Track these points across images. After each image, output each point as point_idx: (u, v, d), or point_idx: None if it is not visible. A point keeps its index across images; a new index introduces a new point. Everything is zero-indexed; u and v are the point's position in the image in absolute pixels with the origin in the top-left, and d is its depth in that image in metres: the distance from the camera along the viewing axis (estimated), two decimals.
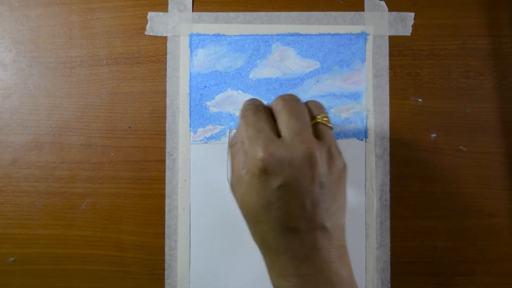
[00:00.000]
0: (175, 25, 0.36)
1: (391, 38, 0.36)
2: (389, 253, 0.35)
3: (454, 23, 0.36)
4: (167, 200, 0.35)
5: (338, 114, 0.35)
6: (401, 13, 0.36)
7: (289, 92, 0.35)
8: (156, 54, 0.36)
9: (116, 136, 0.35)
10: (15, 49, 0.36)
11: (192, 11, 0.36)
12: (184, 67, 0.36)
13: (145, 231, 0.35)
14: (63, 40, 0.36)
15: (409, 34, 0.36)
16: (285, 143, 0.24)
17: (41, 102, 0.36)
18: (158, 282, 0.35)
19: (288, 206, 0.23)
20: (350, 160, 0.35)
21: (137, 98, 0.36)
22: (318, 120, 0.26)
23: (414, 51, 0.36)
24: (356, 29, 0.36)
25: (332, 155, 0.24)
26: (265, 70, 0.36)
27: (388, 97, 0.35)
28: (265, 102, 0.27)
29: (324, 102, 0.35)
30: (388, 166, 0.35)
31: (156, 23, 0.36)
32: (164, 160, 0.35)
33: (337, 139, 0.35)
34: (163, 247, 0.35)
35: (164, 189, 0.35)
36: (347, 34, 0.36)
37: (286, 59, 0.36)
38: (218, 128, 0.35)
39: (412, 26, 0.36)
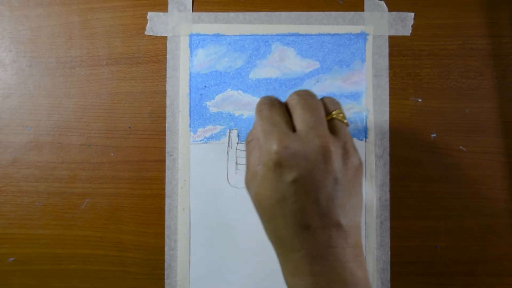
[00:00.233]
0: (175, 25, 0.36)
1: (391, 38, 0.36)
2: (389, 253, 0.35)
3: (454, 23, 0.36)
4: (167, 200, 0.35)
5: None
6: (401, 13, 0.36)
7: (289, 92, 0.35)
8: (156, 54, 0.36)
9: (116, 136, 0.36)
10: (15, 49, 0.36)
11: (192, 11, 0.36)
12: (184, 67, 0.36)
13: (145, 231, 0.35)
14: (63, 40, 0.36)
15: (409, 34, 0.36)
16: (300, 137, 0.23)
17: (41, 102, 0.36)
18: (158, 282, 0.35)
19: (303, 200, 0.23)
20: None
21: (137, 98, 0.36)
22: (334, 116, 0.25)
23: (414, 51, 0.36)
24: (356, 29, 0.36)
25: (348, 151, 0.24)
26: (265, 70, 0.36)
27: (388, 97, 0.35)
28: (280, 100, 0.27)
29: None
30: (388, 166, 0.35)
31: (156, 23, 0.36)
32: (164, 160, 0.35)
33: None
34: (163, 247, 0.35)
35: (164, 189, 0.35)
36: (347, 34, 0.36)
37: (286, 59, 0.36)
38: (218, 128, 0.35)
39: (412, 26, 0.36)
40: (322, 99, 0.27)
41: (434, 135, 0.35)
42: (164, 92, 0.36)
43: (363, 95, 0.36)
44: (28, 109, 0.36)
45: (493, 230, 0.35)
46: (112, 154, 0.35)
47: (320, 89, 0.36)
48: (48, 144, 0.35)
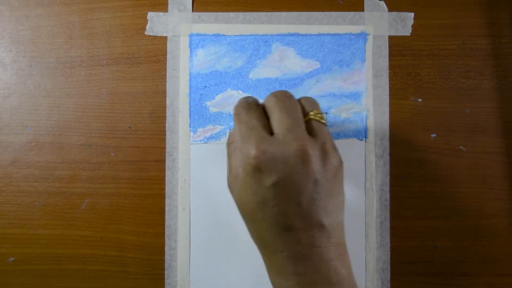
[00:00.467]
0: (175, 25, 0.36)
1: (391, 38, 0.36)
2: (389, 253, 0.35)
3: (454, 23, 0.36)
4: (167, 200, 0.35)
5: (338, 114, 0.35)
6: (401, 13, 0.36)
7: (289, 92, 0.35)
8: (156, 54, 0.36)
9: (116, 136, 0.36)
10: (15, 49, 0.36)
11: (192, 11, 0.36)
12: (184, 67, 0.36)
13: (145, 231, 0.35)
14: (63, 40, 0.36)
15: (409, 34, 0.36)
16: (278, 140, 0.23)
17: (41, 102, 0.36)
18: (158, 282, 0.35)
19: (283, 203, 0.23)
20: (350, 160, 0.35)
21: (137, 98, 0.36)
22: (311, 117, 0.25)
23: (414, 51, 0.36)
24: (356, 29, 0.36)
25: (327, 152, 0.24)
26: (265, 70, 0.36)
27: (388, 97, 0.35)
28: (260, 100, 0.27)
29: (324, 102, 0.35)
30: (388, 166, 0.35)
31: (156, 23, 0.36)
32: (164, 160, 0.35)
33: (337, 139, 0.35)
34: (163, 247, 0.35)
35: (164, 189, 0.35)
36: (347, 34, 0.36)
37: (286, 59, 0.36)
38: (218, 128, 0.35)
39: (412, 26, 0.36)
40: (300, 100, 0.27)
41: (434, 135, 0.35)
42: (164, 92, 0.36)
43: (363, 95, 0.36)
44: (28, 109, 0.36)
45: (493, 230, 0.35)
46: (112, 154, 0.35)
47: (320, 89, 0.36)
48: (48, 144, 0.35)
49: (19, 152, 0.35)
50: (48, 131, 0.35)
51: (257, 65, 0.36)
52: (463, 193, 0.35)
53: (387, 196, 0.35)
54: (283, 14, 0.36)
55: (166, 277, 0.35)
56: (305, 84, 0.36)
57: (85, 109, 0.36)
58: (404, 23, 0.36)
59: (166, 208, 0.35)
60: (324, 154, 0.24)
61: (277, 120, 0.24)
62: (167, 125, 0.35)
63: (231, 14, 0.36)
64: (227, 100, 0.36)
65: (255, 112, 0.25)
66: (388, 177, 0.35)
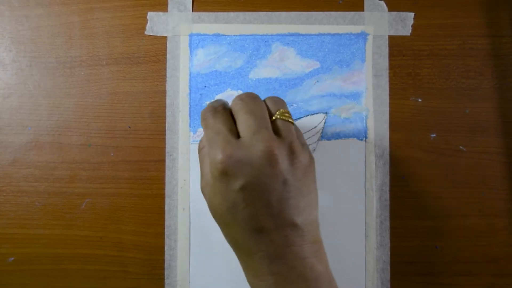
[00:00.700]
0: (175, 25, 0.36)
1: (391, 38, 0.36)
2: (389, 253, 0.35)
3: (454, 23, 0.36)
4: (167, 200, 0.35)
5: (338, 114, 0.35)
6: (401, 13, 0.36)
7: (289, 92, 0.36)
8: (156, 54, 0.36)
9: (116, 136, 0.36)
10: (15, 49, 0.36)
11: (192, 11, 0.36)
12: (184, 67, 0.36)
13: (145, 231, 0.35)
14: (63, 40, 0.36)
15: (409, 34, 0.36)
16: (244, 144, 0.23)
17: (41, 102, 0.36)
18: (158, 282, 0.35)
19: (253, 206, 0.23)
20: (350, 160, 0.35)
21: (137, 98, 0.36)
22: (278, 116, 0.25)
23: (414, 51, 0.36)
24: (356, 29, 0.36)
25: (294, 151, 0.24)
26: (265, 70, 0.36)
27: (388, 97, 0.35)
28: (228, 104, 0.27)
29: (324, 102, 0.35)
30: (388, 166, 0.35)
31: (156, 23, 0.36)
32: (164, 160, 0.35)
33: (337, 139, 0.35)
34: (163, 247, 0.35)
35: (164, 189, 0.35)
36: (347, 34, 0.36)
37: (286, 59, 0.36)
38: None
39: (412, 26, 0.36)
40: (265, 100, 0.27)
41: (434, 135, 0.35)
42: (164, 92, 0.36)
43: (363, 95, 0.36)
44: (28, 109, 0.36)
45: (493, 230, 0.35)
46: (112, 154, 0.35)
47: (320, 89, 0.36)
48: (48, 144, 0.35)
49: (19, 152, 0.35)
50: (48, 131, 0.35)
51: (257, 65, 0.36)
52: (463, 193, 0.35)
53: (387, 196, 0.35)
54: (283, 14, 0.36)
55: (166, 277, 0.35)
56: (305, 84, 0.36)
57: (85, 109, 0.36)
58: (404, 23, 0.36)
59: (166, 208, 0.35)
60: (292, 153, 0.24)
61: (243, 123, 0.24)
62: (167, 125, 0.35)
63: (231, 14, 0.36)
64: (227, 100, 0.35)
65: (222, 116, 0.25)
66: (388, 177, 0.35)
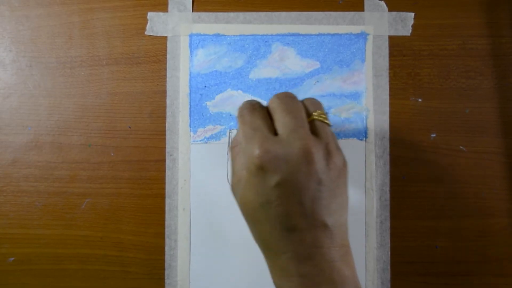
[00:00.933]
0: (175, 25, 0.36)
1: (391, 38, 0.36)
2: (389, 253, 0.35)
3: (454, 23, 0.36)
4: (167, 200, 0.35)
5: (338, 114, 0.35)
6: (401, 13, 0.36)
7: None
8: (156, 54, 0.36)
9: (116, 136, 0.36)
10: (15, 49, 0.36)
11: (192, 11, 0.36)
12: (184, 67, 0.36)
13: (145, 231, 0.35)
14: (63, 40, 0.36)
15: (409, 34, 0.36)
16: (281, 140, 0.23)
17: (41, 102, 0.36)
18: (158, 282, 0.35)
19: (287, 203, 0.23)
20: (350, 160, 0.35)
21: (137, 98, 0.36)
22: (315, 117, 0.25)
23: (414, 51, 0.36)
24: (356, 29, 0.36)
25: (330, 151, 0.24)
26: (265, 70, 0.36)
27: (388, 97, 0.35)
28: (264, 103, 0.27)
29: (324, 102, 0.35)
30: (388, 166, 0.35)
31: (156, 23, 0.36)
32: (164, 160, 0.35)
33: (337, 139, 0.35)
34: (163, 247, 0.35)
35: (164, 189, 0.35)
36: (347, 34, 0.36)
37: (286, 59, 0.36)
38: (218, 128, 0.35)
39: (412, 26, 0.36)
40: (303, 101, 0.27)
41: (434, 135, 0.35)
42: (164, 92, 0.36)
43: (363, 95, 0.36)
44: (28, 109, 0.36)
45: (493, 230, 0.35)
46: (112, 154, 0.35)
47: (320, 89, 0.36)
48: (48, 144, 0.35)
49: (19, 152, 0.35)
50: (48, 131, 0.35)
51: (257, 65, 0.36)
52: (463, 193, 0.35)
53: (387, 196, 0.35)
54: (283, 14, 0.36)
55: (166, 277, 0.35)
56: (305, 84, 0.36)
57: (85, 109, 0.36)
58: (404, 23, 0.36)
59: (166, 208, 0.35)
60: (328, 154, 0.24)
61: (280, 121, 0.25)
62: (167, 125, 0.35)
63: (231, 14, 0.36)
64: (227, 100, 0.36)
65: (259, 113, 0.26)
66: (388, 177, 0.35)
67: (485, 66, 0.36)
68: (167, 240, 0.35)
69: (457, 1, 0.36)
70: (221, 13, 0.36)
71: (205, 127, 0.35)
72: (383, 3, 0.36)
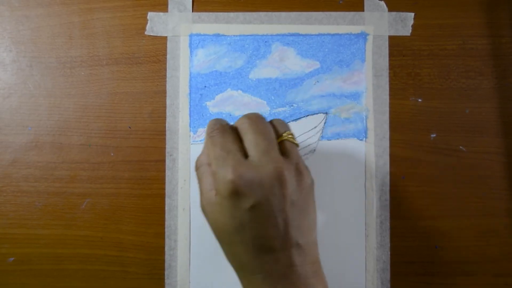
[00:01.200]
0: (175, 25, 0.36)
1: (391, 38, 0.36)
2: (389, 253, 0.35)
3: (454, 23, 0.36)
4: (167, 200, 0.35)
5: (338, 114, 0.35)
6: (401, 13, 0.36)
7: (289, 92, 0.36)
8: (156, 54, 0.36)
9: (116, 136, 0.36)
10: (15, 49, 0.36)
11: (192, 11, 0.36)
12: (184, 67, 0.36)
13: (145, 231, 0.35)
14: (63, 40, 0.36)
15: (409, 34, 0.36)
16: (254, 164, 0.24)
17: (41, 102, 0.36)
18: (158, 282, 0.35)
19: (261, 226, 0.23)
20: (350, 160, 0.35)
21: (137, 98, 0.36)
22: (284, 138, 0.26)
23: (414, 51, 0.36)
24: (356, 29, 0.36)
25: (301, 172, 0.25)
26: (265, 70, 0.36)
27: (388, 97, 0.35)
28: (230, 123, 0.27)
29: (324, 102, 0.35)
30: (388, 166, 0.35)
31: (156, 23, 0.36)
32: (164, 160, 0.35)
33: (337, 139, 0.35)
34: (163, 247, 0.35)
35: (164, 189, 0.35)
36: (347, 34, 0.36)
37: (286, 59, 0.36)
38: None
39: (412, 26, 0.36)
40: (271, 122, 0.27)
41: (434, 135, 0.35)
42: (164, 92, 0.36)
43: (363, 95, 0.36)
44: (28, 109, 0.36)
45: (493, 230, 0.35)
46: (112, 154, 0.35)
47: (320, 89, 0.36)
48: (48, 144, 0.35)
49: (19, 152, 0.35)
50: (48, 131, 0.35)
51: (257, 65, 0.36)
52: (463, 193, 0.35)
53: (387, 196, 0.35)
54: (283, 14, 0.36)
55: (166, 277, 0.35)
56: (305, 84, 0.36)
57: (85, 109, 0.36)
58: (404, 23, 0.36)
59: (166, 208, 0.35)
60: (299, 174, 0.25)
61: (251, 143, 0.25)
62: (167, 125, 0.35)
63: (231, 14, 0.36)
64: (227, 100, 0.36)
65: (230, 135, 0.25)
66: (388, 177, 0.35)
67: (485, 66, 0.36)
68: (167, 240, 0.35)
69: (457, 1, 0.36)
70: (221, 13, 0.36)
71: (205, 127, 0.35)
72: (383, 3, 0.36)
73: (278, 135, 0.26)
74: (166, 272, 0.35)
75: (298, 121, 0.35)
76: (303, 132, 0.35)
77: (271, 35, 0.36)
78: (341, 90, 0.36)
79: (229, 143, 0.25)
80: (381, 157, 0.35)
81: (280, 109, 0.35)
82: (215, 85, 0.36)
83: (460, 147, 0.35)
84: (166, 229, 0.35)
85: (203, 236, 0.35)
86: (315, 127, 0.35)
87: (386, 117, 0.35)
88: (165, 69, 0.36)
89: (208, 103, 0.36)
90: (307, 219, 0.25)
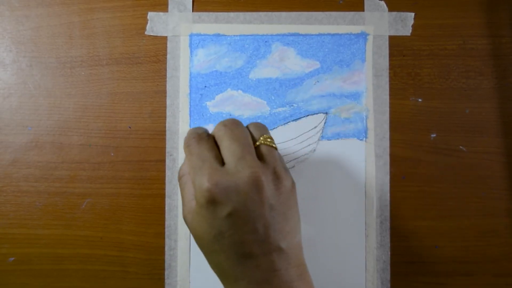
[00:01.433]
0: (175, 25, 0.36)
1: (391, 38, 0.36)
2: (389, 253, 0.35)
3: (454, 23, 0.36)
4: (167, 200, 0.35)
5: (338, 114, 0.36)
6: (401, 13, 0.36)
7: (289, 92, 0.36)
8: (156, 54, 0.36)
9: (116, 136, 0.36)
10: (15, 49, 0.36)
11: (192, 11, 0.36)
12: (184, 67, 0.36)
13: (145, 231, 0.35)
14: (63, 40, 0.36)
15: (409, 34, 0.36)
16: (230, 171, 0.23)
17: (41, 102, 0.36)
18: (158, 282, 0.35)
19: (240, 233, 0.23)
20: (350, 160, 0.35)
21: (137, 98, 0.36)
22: (261, 142, 0.26)
23: (414, 51, 0.36)
24: (356, 29, 0.36)
25: (279, 175, 0.25)
26: (265, 70, 0.36)
27: (388, 97, 0.35)
28: (209, 130, 0.27)
29: (324, 102, 0.35)
30: (388, 166, 0.35)
31: (156, 23, 0.36)
32: (164, 160, 0.35)
33: (337, 139, 0.35)
34: (163, 247, 0.35)
35: (164, 189, 0.35)
36: (347, 34, 0.36)
37: (286, 59, 0.36)
38: None
39: (412, 26, 0.36)
40: (248, 127, 0.27)
41: (434, 135, 0.35)
42: (164, 92, 0.36)
43: (363, 95, 0.36)
44: (28, 109, 0.36)
45: (493, 230, 0.35)
46: (112, 154, 0.35)
47: (320, 89, 0.36)
48: (48, 144, 0.35)
49: (19, 152, 0.35)
50: (48, 131, 0.35)
51: (257, 65, 0.36)
52: (463, 193, 0.35)
53: (387, 196, 0.35)
54: (283, 14, 0.36)
55: (166, 277, 0.35)
56: (305, 84, 0.36)
57: (85, 109, 0.36)
58: (404, 23, 0.36)
59: (166, 208, 0.35)
60: (277, 178, 0.24)
61: (227, 149, 0.24)
62: (167, 125, 0.35)
63: (231, 14, 0.36)
64: (227, 100, 0.36)
65: (206, 143, 0.25)
66: (388, 177, 0.35)
67: (485, 66, 0.36)
68: (167, 240, 0.35)
69: (457, 1, 0.36)
70: (221, 13, 0.36)
71: (205, 127, 0.35)
72: (383, 3, 0.36)
73: (255, 140, 0.26)
74: (166, 272, 0.35)
75: (298, 121, 0.35)
76: (303, 132, 0.35)
77: (271, 35, 0.36)
78: (341, 90, 0.36)
79: (205, 151, 0.25)
80: (381, 157, 0.35)
81: (280, 109, 0.35)
82: (215, 85, 0.36)
83: (460, 147, 0.35)
84: (166, 229, 0.35)
85: None
86: (315, 127, 0.35)
87: (386, 117, 0.35)
88: (165, 69, 0.36)
89: (208, 103, 0.36)
90: (288, 223, 0.24)
